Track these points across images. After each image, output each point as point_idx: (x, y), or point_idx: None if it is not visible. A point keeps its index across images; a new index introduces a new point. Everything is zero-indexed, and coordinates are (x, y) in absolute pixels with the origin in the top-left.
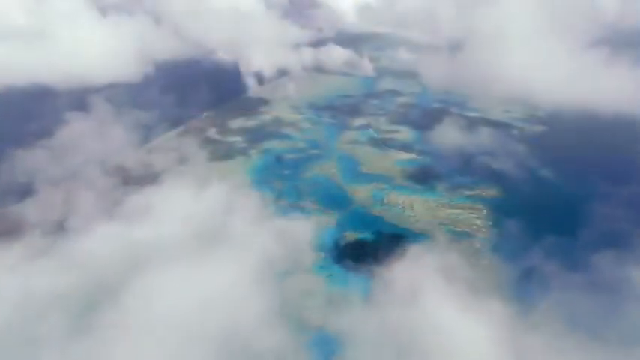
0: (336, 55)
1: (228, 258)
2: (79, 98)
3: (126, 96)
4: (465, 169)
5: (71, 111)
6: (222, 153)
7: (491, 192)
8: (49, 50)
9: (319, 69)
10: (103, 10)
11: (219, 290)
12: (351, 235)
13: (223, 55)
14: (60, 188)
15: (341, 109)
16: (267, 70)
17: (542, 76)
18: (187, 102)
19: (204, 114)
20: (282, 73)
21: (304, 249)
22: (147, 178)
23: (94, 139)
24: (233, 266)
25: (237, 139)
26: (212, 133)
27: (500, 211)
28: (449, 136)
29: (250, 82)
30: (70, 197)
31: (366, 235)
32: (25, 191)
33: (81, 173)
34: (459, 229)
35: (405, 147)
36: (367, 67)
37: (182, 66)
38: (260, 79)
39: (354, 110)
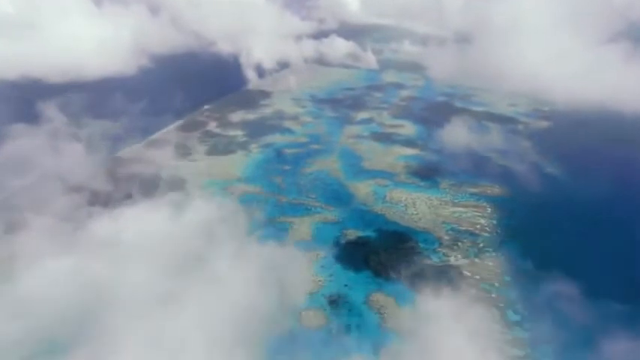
0: (339, 47)
1: (206, 303)
2: (66, 93)
3: (121, 90)
4: (469, 165)
5: (52, 106)
6: (222, 147)
7: (496, 189)
8: (39, 42)
9: (321, 61)
10: (97, 0)
11: (193, 352)
12: (352, 234)
13: (223, 47)
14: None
15: (343, 103)
16: (268, 63)
17: (556, 72)
18: (186, 95)
19: (205, 107)
20: (284, 65)
21: (295, 288)
22: (118, 197)
23: (80, 137)
24: (211, 315)
25: (238, 132)
26: (212, 126)
27: (506, 209)
28: (453, 130)
29: (251, 74)
30: (20, 223)
31: (367, 233)
32: None
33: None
34: (462, 228)
35: (409, 142)
36: (370, 59)
37: (181, 58)
38: (261, 72)
39: (357, 104)
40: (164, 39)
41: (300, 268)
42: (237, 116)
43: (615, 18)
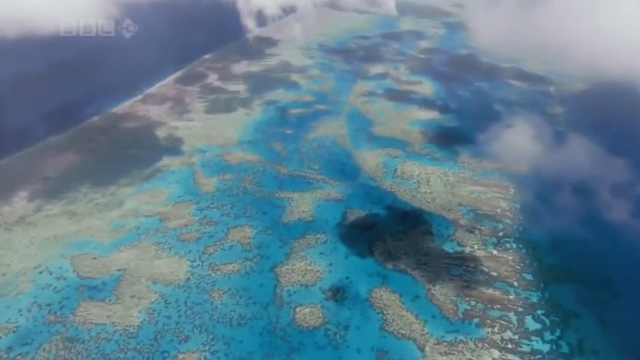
0: None
1: None
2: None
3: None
4: (493, 134)
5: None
6: (222, 104)
7: (520, 166)
8: None
9: (333, 5)
10: None
11: None
12: (357, 214)
13: None
14: None
15: (356, 54)
16: (273, 7)
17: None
18: (181, 45)
19: (206, 56)
20: (291, 10)
21: None
22: None
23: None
24: None
25: (240, 87)
26: (213, 79)
27: (530, 191)
28: (475, 90)
29: (254, 21)
30: None
31: (374, 214)
32: None
33: None
34: (481, 212)
35: (425, 102)
36: (388, 3)
37: (171, 5)
38: (264, 18)
39: (371, 55)
40: None
41: None
42: (239, 67)
43: None
